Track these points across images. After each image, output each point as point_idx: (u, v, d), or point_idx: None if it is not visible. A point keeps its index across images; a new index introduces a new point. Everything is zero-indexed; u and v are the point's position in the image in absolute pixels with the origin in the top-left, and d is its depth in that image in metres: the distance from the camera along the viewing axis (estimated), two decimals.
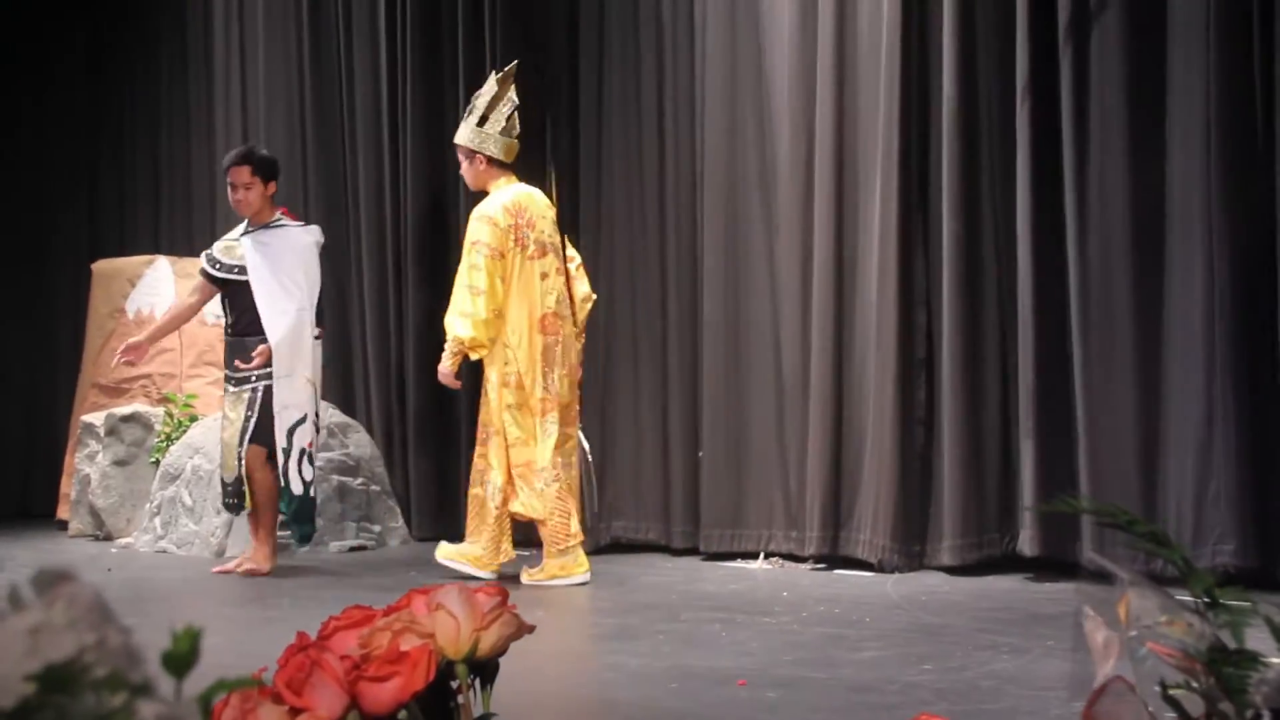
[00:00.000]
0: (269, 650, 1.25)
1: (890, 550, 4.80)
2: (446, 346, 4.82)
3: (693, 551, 5.37)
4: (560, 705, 2.98)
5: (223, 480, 5.20)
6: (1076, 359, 4.47)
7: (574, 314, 4.94)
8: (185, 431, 6.23)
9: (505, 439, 4.76)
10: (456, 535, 5.13)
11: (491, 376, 4.80)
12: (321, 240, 5.36)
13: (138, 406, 6.64)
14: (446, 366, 4.81)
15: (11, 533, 6.75)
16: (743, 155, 5.38)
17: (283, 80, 6.99)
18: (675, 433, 5.53)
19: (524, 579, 4.72)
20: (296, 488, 5.08)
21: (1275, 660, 0.98)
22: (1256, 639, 1.02)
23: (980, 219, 4.81)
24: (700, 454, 5.41)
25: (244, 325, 5.14)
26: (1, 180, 8.15)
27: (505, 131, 4.93)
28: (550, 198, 5.09)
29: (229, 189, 5.23)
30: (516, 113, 4.98)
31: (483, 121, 4.91)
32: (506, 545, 4.81)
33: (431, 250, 6.16)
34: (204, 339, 6.54)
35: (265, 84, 7.07)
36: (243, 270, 5.17)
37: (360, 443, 6.22)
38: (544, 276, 4.84)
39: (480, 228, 4.78)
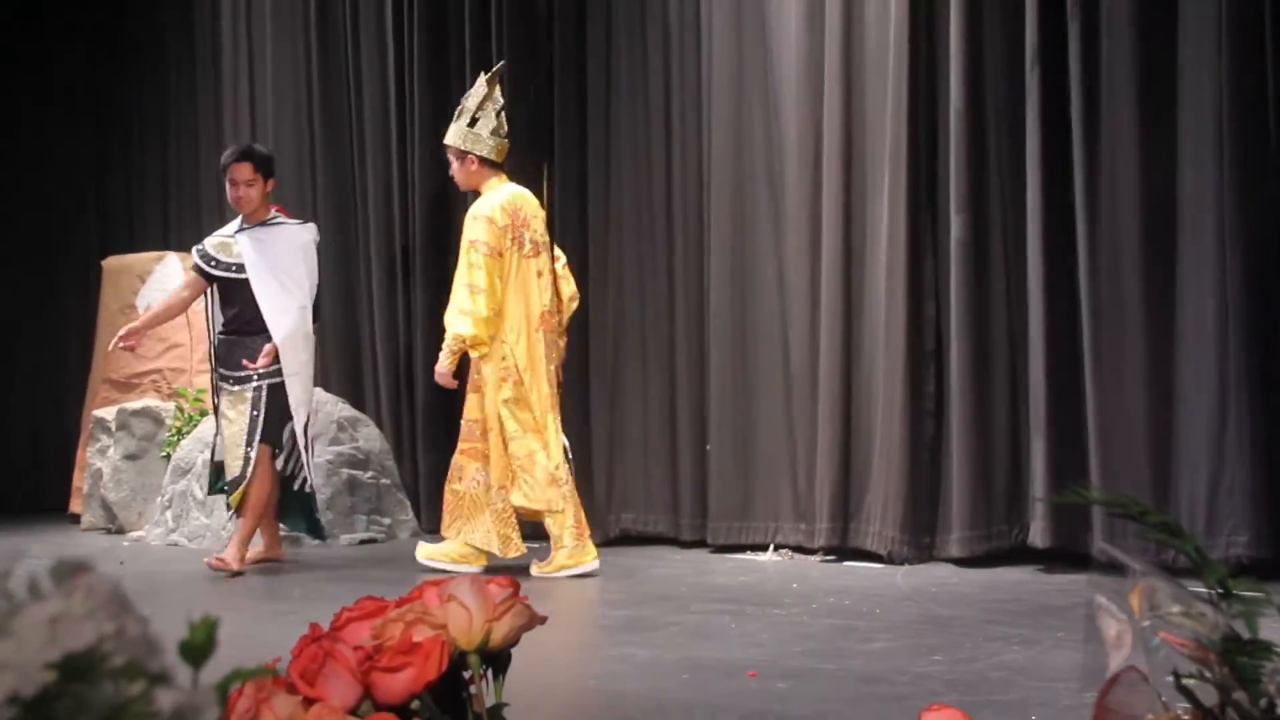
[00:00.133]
0: (281, 642, 1.26)
1: (899, 542, 4.80)
2: (445, 345, 4.82)
3: (701, 544, 5.38)
4: (571, 696, 2.99)
5: (219, 479, 5.18)
6: (1087, 351, 4.46)
7: (560, 314, 4.98)
8: (196, 426, 6.25)
9: (503, 433, 4.75)
10: None
11: (488, 373, 4.79)
12: (318, 238, 5.35)
13: (148, 401, 6.67)
14: (445, 365, 4.80)
15: (24, 526, 6.79)
16: (750, 153, 5.37)
17: (290, 80, 7.00)
18: (683, 427, 5.53)
19: (534, 571, 4.72)
20: (319, 481, 5.23)
21: None
22: (1270, 629, 1.02)
23: (989, 214, 4.80)
24: (708, 448, 5.41)
25: (242, 323, 5.11)
26: (11, 179, 8.18)
27: (495, 132, 4.95)
28: (542, 198, 5.11)
29: (228, 186, 5.20)
30: (503, 112, 4.99)
31: (473, 122, 4.92)
32: (516, 539, 4.81)
33: (438, 247, 6.17)
34: None
35: (273, 84, 7.08)
36: (240, 268, 5.13)
37: (370, 436, 6.24)
38: (539, 275, 4.88)
39: (478, 226, 4.79)
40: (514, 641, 1.29)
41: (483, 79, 5.04)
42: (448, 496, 4.87)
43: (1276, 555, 4.12)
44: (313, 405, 5.27)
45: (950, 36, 4.79)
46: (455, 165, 4.98)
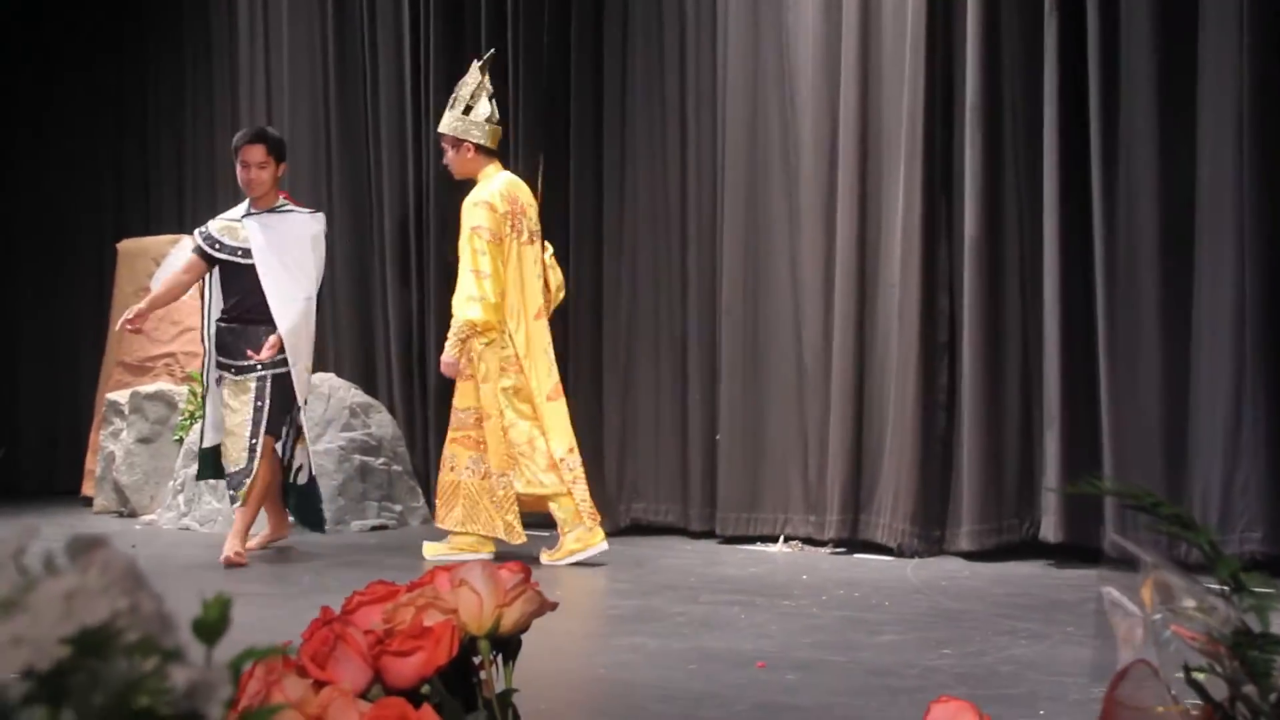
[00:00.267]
0: (292, 627, 1.27)
1: (910, 535, 4.80)
2: (452, 333, 4.81)
3: (710, 534, 5.39)
4: (580, 685, 3.00)
5: (210, 465, 5.10)
6: (1102, 346, 4.44)
7: (548, 304, 5.00)
8: None
9: (502, 420, 4.76)
10: None
11: (489, 360, 4.79)
12: (326, 229, 5.30)
13: (162, 385, 6.69)
14: (452, 354, 4.79)
15: (36, 509, 6.82)
16: (765, 147, 5.36)
17: (306, 68, 7.01)
18: (694, 418, 5.53)
19: (544, 559, 4.73)
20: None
21: None
22: None
23: (1004, 208, 4.78)
24: (718, 438, 5.41)
25: (244, 310, 5.03)
26: (27, 162, 8.21)
27: (490, 118, 4.97)
28: (536, 187, 5.13)
29: (239, 167, 5.10)
30: (494, 99, 5.02)
31: (468, 110, 4.93)
32: (518, 526, 4.81)
33: (452, 235, 6.15)
34: None
35: (289, 69, 7.09)
36: (246, 253, 5.04)
37: (382, 423, 6.26)
38: (536, 262, 4.91)
39: (479, 213, 4.80)
40: (524, 627, 1.30)
41: (475, 66, 5.05)
42: (442, 486, 4.89)
43: None
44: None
45: (967, 29, 4.77)
46: (451, 153, 4.98)
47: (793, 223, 5.31)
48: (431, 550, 4.90)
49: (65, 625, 0.53)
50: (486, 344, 4.80)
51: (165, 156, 7.87)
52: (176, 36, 7.75)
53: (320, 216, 5.29)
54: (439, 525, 4.97)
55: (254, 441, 4.98)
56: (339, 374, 6.46)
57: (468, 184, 5.05)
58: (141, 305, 5.18)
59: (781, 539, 5.20)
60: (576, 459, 4.86)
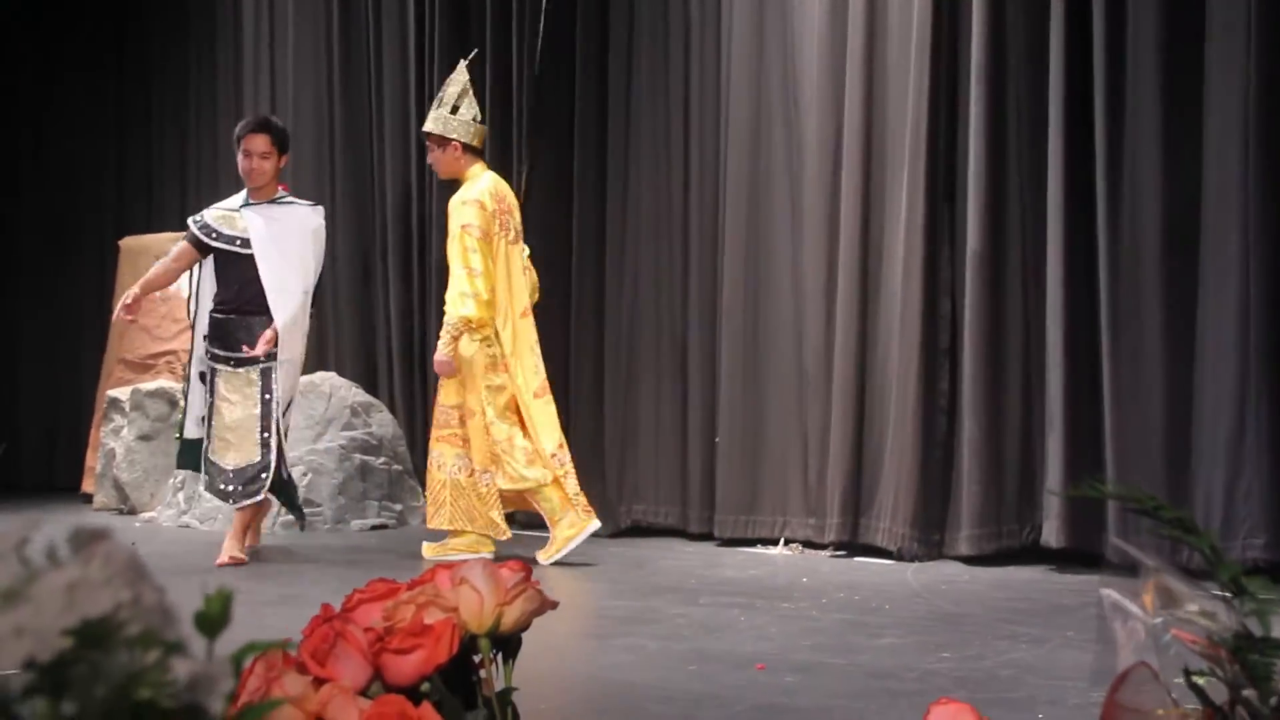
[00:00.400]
0: (292, 625, 1.26)
1: (910, 539, 4.80)
2: (445, 331, 4.80)
3: (708, 537, 5.38)
4: (579, 685, 3.00)
5: (223, 467, 4.88)
6: (1105, 351, 4.43)
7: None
8: None
9: (484, 418, 4.76)
10: None
11: (475, 358, 4.79)
12: (326, 224, 5.22)
13: (163, 382, 6.69)
14: (446, 352, 4.78)
15: (36, 505, 6.82)
16: (769, 149, 5.36)
17: (311, 65, 7.02)
18: (694, 420, 5.53)
19: (541, 560, 4.73)
20: (285, 471, 4.97)
21: None
22: None
23: (1007, 212, 4.78)
24: (717, 440, 5.41)
25: (241, 302, 4.92)
26: (29, 158, 8.22)
27: (476, 118, 4.98)
28: (520, 189, 5.15)
29: (241, 156, 5.00)
30: (477, 99, 5.05)
31: (454, 110, 4.93)
32: (502, 523, 4.81)
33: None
34: None
35: (294, 69, 7.10)
36: (245, 243, 4.93)
37: (383, 422, 6.26)
38: (520, 261, 4.94)
39: (468, 211, 4.81)
40: (525, 626, 1.29)
41: (461, 66, 5.05)
42: (431, 486, 4.89)
43: None
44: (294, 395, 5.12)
45: (973, 31, 4.77)
46: (436, 153, 4.97)
47: (795, 225, 5.31)
48: (431, 550, 4.90)
49: (67, 617, 0.53)
50: (479, 340, 4.80)
51: (168, 153, 7.87)
52: (180, 34, 7.75)
53: (320, 209, 5.20)
54: (429, 526, 4.97)
55: (266, 435, 4.88)
56: (340, 373, 6.46)
57: (458, 183, 5.06)
58: (134, 290, 5.04)
59: (782, 541, 5.20)
60: (566, 454, 4.88)
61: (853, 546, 5.00)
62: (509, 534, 4.83)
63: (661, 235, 5.70)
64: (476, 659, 1.26)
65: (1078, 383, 4.51)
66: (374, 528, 5.96)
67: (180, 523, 6.09)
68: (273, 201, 5.03)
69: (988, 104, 4.72)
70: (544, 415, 4.87)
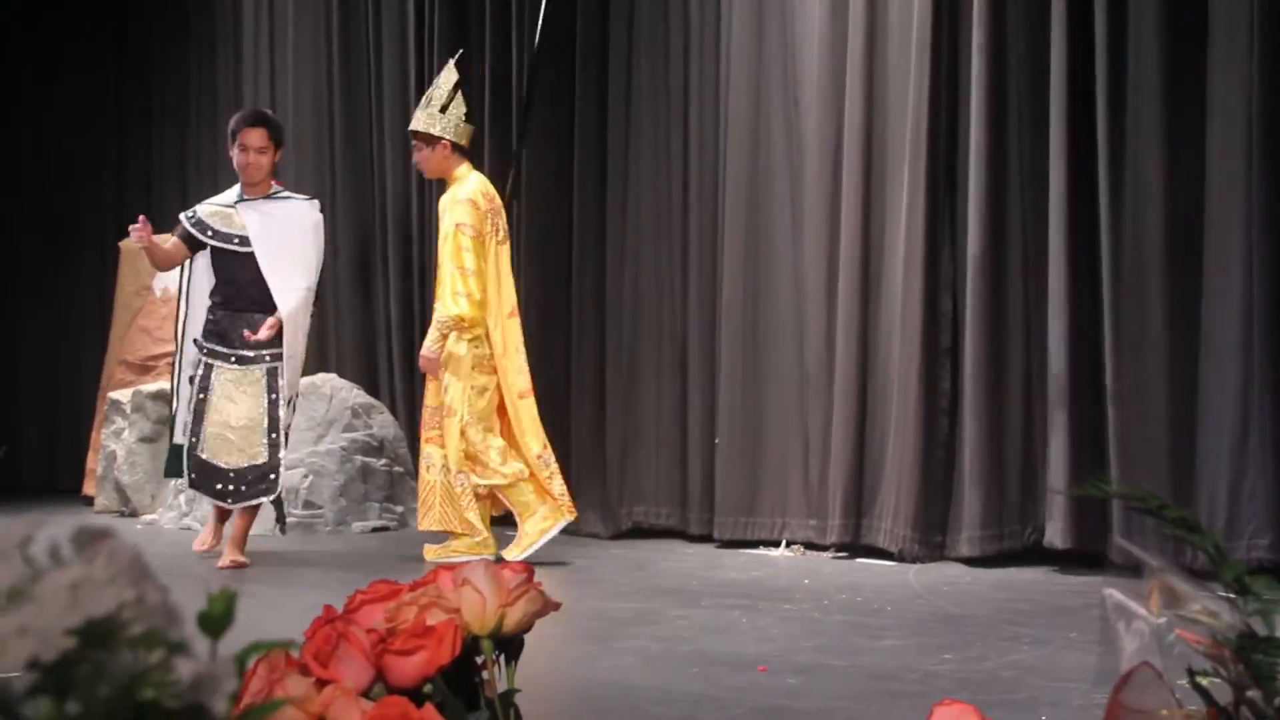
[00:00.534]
0: (293, 627, 1.26)
1: (911, 540, 4.80)
2: (435, 327, 4.80)
3: (709, 538, 5.38)
4: (580, 688, 3.00)
5: (218, 467, 4.76)
6: (1108, 351, 4.42)
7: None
8: None
9: (460, 419, 4.76)
10: None
11: (463, 358, 4.79)
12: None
13: (164, 384, 6.68)
14: (435, 349, 4.77)
15: (37, 507, 6.82)
16: (768, 147, 5.36)
17: (311, 64, 7.03)
18: (695, 420, 5.53)
19: (508, 557, 4.73)
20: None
21: None
22: None
23: (1008, 209, 4.78)
24: (717, 440, 5.41)
25: (245, 300, 4.83)
26: (29, 159, 8.22)
27: (465, 117, 4.99)
28: (505, 189, 5.17)
29: (237, 151, 4.88)
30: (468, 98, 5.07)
31: (444, 109, 4.93)
32: (479, 524, 4.81)
33: None
34: None
35: (294, 68, 7.10)
36: (243, 241, 4.84)
37: (384, 423, 6.26)
38: (508, 261, 4.95)
39: (462, 210, 4.82)
40: (527, 627, 1.29)
41: (450, 64, 5.05)
42: (420, 487, 4.91)
43: None
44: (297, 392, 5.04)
45: (973, 30, 4.77)
46: (425, 152, 4.96)
47: (795, 225, 5.31)
48: (433, 552, 4.90)
49: (71, 616, 0.53)
50: (469, 340, 4.80)
51: (168, 154, 7.88)
52: (181, 34, 7.76)
53: (316, 203, 5.09)
54: (419, 528, 4.98)
55: (274, 436, 4.80)
56: (340, 374, 6.46)
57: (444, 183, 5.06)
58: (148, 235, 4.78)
59: (783, 543, 5.20)
60: (550, 454, 4.89)
61: (854, 548, 5.00)
62: (485, 534, 4.81)
63: (661, 235, 5.70)
64: (479, 660, 1.26)
65: (1080, 382, 4.50)
66: (375, 530, 5.96)
67: (182, 525, 6.08)
68: (268, 197, 4.94)
69: (988, 102, 4.72)
70: (529, 416, 4.89)
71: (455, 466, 4.77)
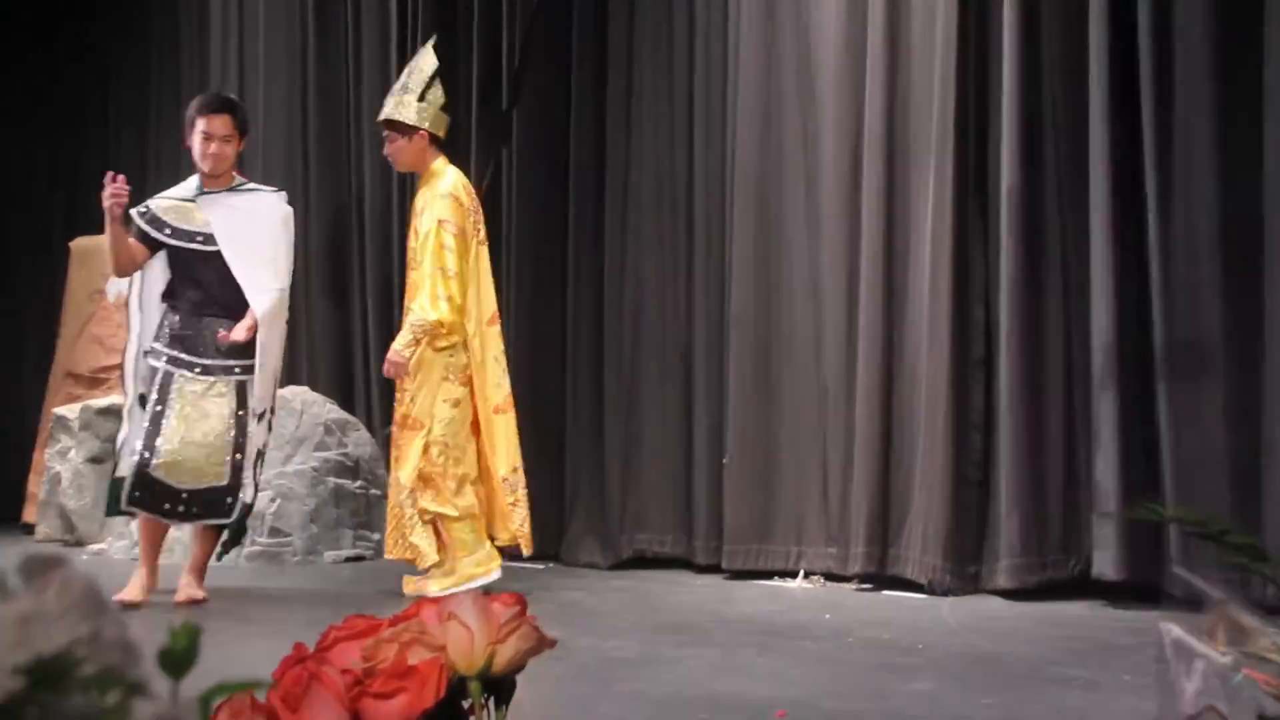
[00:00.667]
0: (259, 668, 1.26)
1: (942, 570, 4.80)
2: (408, 330, 4.80)
3: (718, 568, 5.38)
4: None
5: (170, 486, 4.65)
6: (1159, 361, 4.41)
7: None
8: None
9: (430, 435, 4.77)
10: None
11: (436, 368, 4.80)
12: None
13: (116, 398, 6.69)
14: (407, 353, 4.77)
15: None
16: (781, 141, 5.38)
17: (284, 64, 7.07)
18: (701, 438, 5.54)
19: (434, 590, 4.68)
20: (249, 494, 4.77)
21: None
22: None
23: (1044, 209, 4.78)
24: (726, 461, 5.41)
25: (211, 305, 4.75)
26: None
27: (444, 107, 5.00)
28: (481, 188, 5.19)
29: (199, 139, 4.78)
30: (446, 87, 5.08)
31: (422, 97, 4.94)
32: (426, 548, 4.80)
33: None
34: None
35: (265, 67, 7.12)
36: (207, 239, 4.76)
37: (359, 441, 6.26)
38: (487, 264, 4.97)
39: (445, 205, 4.83)
40: (519, 667, 1.29)
41: (430, 50, 5.06)
42: (391, 513, 4.92)
43: None
44: (274, 406, 4.96)
45: (1004, 12, 4.77)
46: (400, 142, 4.94)
47: (811, 226, 5.32)
48: (413, 585, 4.90)
49: (18, 653, 0.52)
50: (444, 348, 4.80)
51: (126, 143, 7.92)
52: (141, 33, 7.82)
53: (284, 195, 5.03)
54: (388, 554, 4.98)
55: (239, 457, 4.71)
56: (312, 387, 6.47)
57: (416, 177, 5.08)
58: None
59: (801, 573, 5.20)
60: (520, 478, 4.89)
61: (880, 579, 5.00)
62: (433, 561, 4.80)
63: (664, 238, 5.71)
64: (466, 704, 1.25)
65: (1129, 396, 4.49)
66: (349, 559, 5.96)
67: (133, 555, 6.07)
68: (232, 189, 4.87)
69: (1021, 92, 4.73)
70: (503, 434, 4.89)
71: (408, 483, 4.78)
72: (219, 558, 5.02)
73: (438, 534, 4.79)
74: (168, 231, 4.79)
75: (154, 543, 4.80)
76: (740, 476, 5.36)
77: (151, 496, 4.68)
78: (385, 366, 4.92)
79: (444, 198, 4.85)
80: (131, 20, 7.86)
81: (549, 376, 5.95)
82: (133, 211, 4.81)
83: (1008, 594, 4.69)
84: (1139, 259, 4.50)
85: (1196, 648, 1.13)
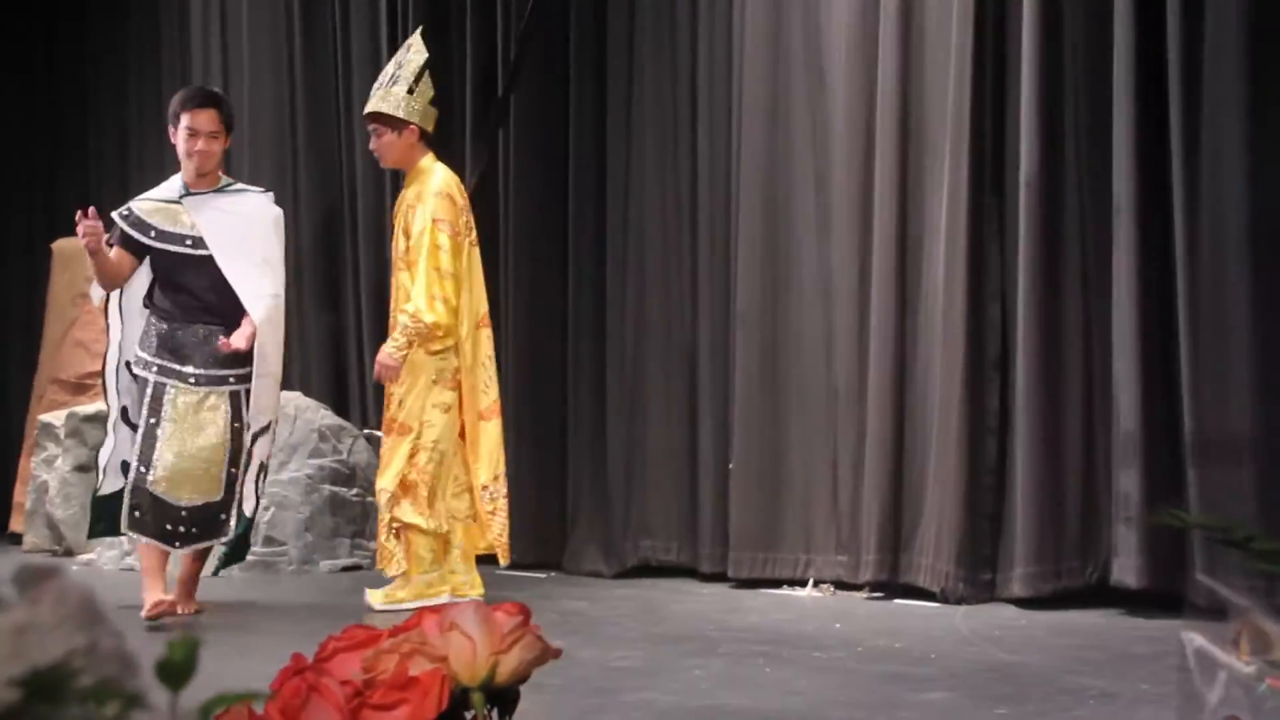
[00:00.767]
0: (255, 680, 1.26)
1: (956, 578, 4.79)
2: (401, 331, 4.79)
3: (724, 576, 5.38)
4: None
5: (171, 504, 4.56)
6: (1184, 362, 4.38)
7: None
8: None
9: (419, 439, 4.77)
10: None
11: (426, 371, 4.81)
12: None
13: (103, 405, 6.70)
14: (399, 356, 4.77)
15: None
16: (789, 134, 5.36)
17: (269, 61, 7.06)
18: (707, 442, 5.53)
19: (376, 603, 4.71)
20: (249, 507, 4.70)
21: None
22: None
23: (1064, 203, 4.77)
24: (731, 465, 5.41)
25: (202, 312, 4.67)
26: None
27: (432, 101, 5.01)
28: (470, 188, 5.22)
29: (185, 136, 4.68)
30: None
31: (411, 90, 4.93)
32: (400, 555, 4.81)
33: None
34: None
35: (250, 64, 7.13)
36: (197, 242, 4.66)
37: (356, 448, 6.26)
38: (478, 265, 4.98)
39: (441, 204, 4.83)
40: (523, 678, 1.29)
41: (420, 42, 5.06)
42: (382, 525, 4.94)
43: None
44: (278, 417, 4.95)
45: (1024, 3, 4.76)
46: (389, 137, 4.93)
47: (820, 221, 5.31)
48: (379, 597, 4.88)
49: (14, 665, 0.53)
50: (437, 351, 4.80)
51: (108, 141, 7.93)
52: (121, 32, 7.84)
53: (271, 196, 4.97)
54: (378, 566, 5.00)
55: (233, 470, 4.64)
56: (307, 393, 6.47)
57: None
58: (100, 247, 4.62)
59: (810, 582, 5.20)
60: (501, 487, 4.90)
61: (891, 587, 4.99)
62: (402, 569, 4.81)
63: (668, 232, 5.71)
64: (469, 715, 1.26)
65: (1151, 399, 4.48)
66: (346, 569, 5.96)
67: (123, 565, 6.08)
68: (219, 190, 4.80)
69: (1041, 80, 4.72)
70: (488, 441, 4.89)
71: (390, 486, 4.77)
72: (215, 572, 4.98)
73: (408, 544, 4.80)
74: (153, 235, 4.70)
75: (158, 565, 4.63)
76: (747, 481, 5.36)
77: (152, 517, 4.58)
78: (376, 370, 4.92)
79: (438, 196, 4.85)
80: (111, 19, 7.87)
81: (549, 379, 5.94)
82: (114, 214, 4.77)
83: (1022, 602, 4.68)
84: (1163, 258, 4.48)
85: (1219, 657, 1.13)
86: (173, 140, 4.81)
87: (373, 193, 6.61)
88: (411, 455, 4.79)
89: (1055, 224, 4.76)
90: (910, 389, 5.06)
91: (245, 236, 4.73)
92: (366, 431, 6.22)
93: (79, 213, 4.53)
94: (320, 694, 1.20)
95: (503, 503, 4.89)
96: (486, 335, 4.97)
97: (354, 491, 6.13)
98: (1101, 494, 4.64)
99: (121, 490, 4.67)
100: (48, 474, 6.66)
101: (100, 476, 4.81)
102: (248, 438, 4.68)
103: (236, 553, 4.94)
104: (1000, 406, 4.87)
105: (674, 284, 5.69)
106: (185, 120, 4.70)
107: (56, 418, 6.72)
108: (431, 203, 4.83)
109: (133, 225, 4.70)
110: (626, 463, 5.72)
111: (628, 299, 5.77)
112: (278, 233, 4.86)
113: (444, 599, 4.72)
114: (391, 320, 5.00)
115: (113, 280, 4.76)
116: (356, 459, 6.23)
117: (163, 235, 4.71)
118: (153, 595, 4.50)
